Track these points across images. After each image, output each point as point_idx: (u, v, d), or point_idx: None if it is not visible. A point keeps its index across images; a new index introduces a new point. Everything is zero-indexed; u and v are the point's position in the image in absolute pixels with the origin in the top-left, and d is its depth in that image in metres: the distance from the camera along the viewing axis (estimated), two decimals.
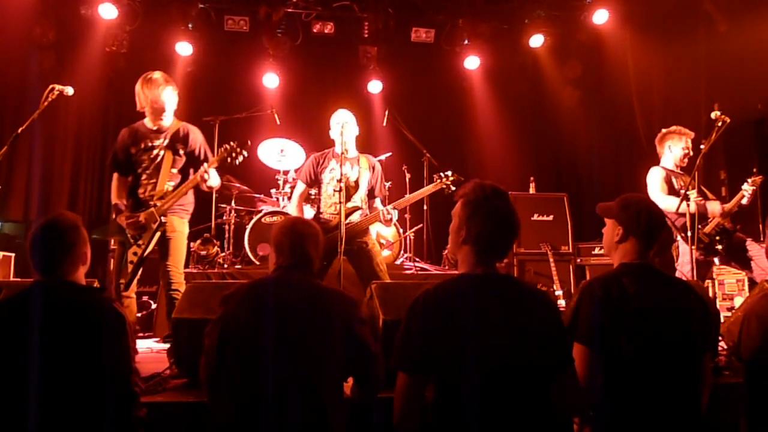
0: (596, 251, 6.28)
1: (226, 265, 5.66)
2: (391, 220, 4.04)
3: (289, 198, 5.83)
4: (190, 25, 6.83)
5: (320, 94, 7.21)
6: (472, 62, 7.38)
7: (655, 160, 4.57)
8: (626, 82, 7.23)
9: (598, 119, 7.66)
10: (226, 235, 5.95)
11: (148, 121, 3.75)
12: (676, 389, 1.91)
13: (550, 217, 6.20)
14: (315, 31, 7.27)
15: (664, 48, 6.83)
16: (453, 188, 4.06)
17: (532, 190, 6.59)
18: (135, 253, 3.53)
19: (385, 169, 4.59)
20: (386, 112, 6.33)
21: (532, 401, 1.72)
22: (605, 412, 1.91)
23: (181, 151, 3.73)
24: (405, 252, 6.24)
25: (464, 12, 7.16)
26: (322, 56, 7.60)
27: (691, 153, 4.44)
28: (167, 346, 3.51)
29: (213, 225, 5.91)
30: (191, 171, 3.75)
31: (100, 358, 1.88)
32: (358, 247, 4.01)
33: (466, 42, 7.31)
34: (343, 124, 4.06)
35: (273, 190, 6.19)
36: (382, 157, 6.02)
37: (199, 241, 5.57)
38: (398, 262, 6.03)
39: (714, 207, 4.18)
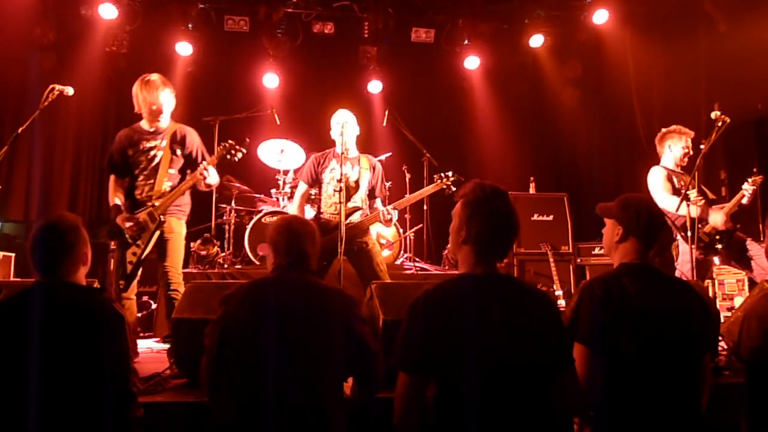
0: (596, 251, 6.28)
1: (226, 265, 5.65)
2: (391, 220, 4.04)
3: (290, 198, 5.84)
4: (190, 25, 6.82)
5: (320, 94, 7.20)
6: (472, 62, 7.38)
7: (655, 160, 4.57)
8: (626, 82, 7.23)
9: (598, 119, 7.66)
10: (226, 235, 5.95)
11: (145, 123, 3.76)
12: (677, 389, 1.91)
13: (550, 217, 6.19)
14: (315, 31, 7.27)
15: (664, 48, 6.83)
16: (453, 188, 4.06)
17: (532, 190, 6.59)
18: (134, 254, 3.55)
19: (385, 169, 4.58)
20: (386, 112, 6.33)
21: (532, 401, 1.72)
22: (605, 412, 1.90)
23: (179, 152, 3.74)
24: (405, 252, 6.23)
25: (464, 12, 7.15)
26: (322, 56, 7.60)
27: (691, 152, 4.44)
28: (167, 346, 3.51)
29: (213, 225, 5.92)
30: (188, 173, 3.76)
31: (99, 358, 1.88)
32: (358, 247, 4.01)
33: (466, 42, 7.30)
34: (344, 124, 4.06)
35: (273, 190, 6.19)
36: (382, 157, 6.01)
37: (199, 241, 5.58)
38: (398, 262, 6.02)
39: (716, 218, 4.15)
